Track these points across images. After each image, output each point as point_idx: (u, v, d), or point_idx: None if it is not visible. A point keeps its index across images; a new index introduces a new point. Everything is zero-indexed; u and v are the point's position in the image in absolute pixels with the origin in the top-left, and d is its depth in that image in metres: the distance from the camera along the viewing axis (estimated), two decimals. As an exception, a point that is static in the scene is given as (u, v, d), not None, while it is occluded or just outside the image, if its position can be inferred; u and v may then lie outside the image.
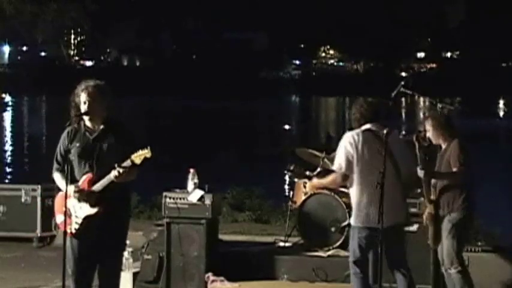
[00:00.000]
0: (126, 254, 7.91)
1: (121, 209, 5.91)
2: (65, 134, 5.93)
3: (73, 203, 5.81)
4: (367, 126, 6.31)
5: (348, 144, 6.21)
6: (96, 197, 5.75)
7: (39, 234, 9.69)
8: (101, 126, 5.84)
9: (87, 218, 5.75)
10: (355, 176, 6.22)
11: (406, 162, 6.36)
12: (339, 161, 6.23)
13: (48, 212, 9.46)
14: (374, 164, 6.11)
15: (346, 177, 6.24)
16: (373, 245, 6.21)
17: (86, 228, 5.75)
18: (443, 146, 6.74)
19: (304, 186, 8.57)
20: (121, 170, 5.63)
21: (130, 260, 7.97)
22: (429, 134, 6.74)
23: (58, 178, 5.94)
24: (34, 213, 9.75)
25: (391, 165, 6.19)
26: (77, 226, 5.78)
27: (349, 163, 6.18)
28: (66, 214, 5.81)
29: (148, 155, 5.68)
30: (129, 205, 6.20)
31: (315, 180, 6.75)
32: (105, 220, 5.76)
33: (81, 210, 5.77)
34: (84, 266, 5.76)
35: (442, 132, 6.72)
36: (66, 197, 5.67)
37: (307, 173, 8.44)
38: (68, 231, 5.81)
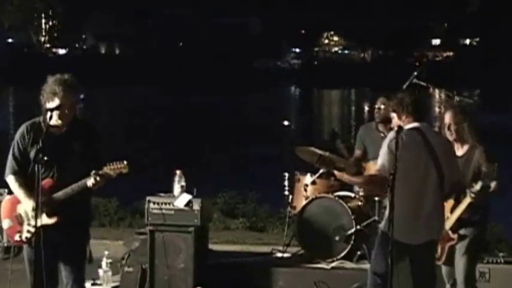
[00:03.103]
0: (104, 265, 7.94)
1: (81, 219, 5.94)
2: (23, 130, 5.88)
3: (26, 209, 5.82)
4: (416, 124, 6.22)
5: (393, 144, 6.03)
6: (56, 206, 5.74)
7: (5, 244, 9.66)
8: (65, 128, 5.82)
9: (42, 227, 5.68)
10: (397, 182, 6.00)
11: (450, 170, 6.27)
12: (383, 162, 6.11)
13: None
14: (419, 171, 6.09)
15: (386, 181, 6.05)
16: (404, 260, 6.20)
17: (43, 235, 5.67)
18: (462, 149, 6.62)
19: (305, 190, 8.57)
20: (98, 178, 5.64)
21: (110, 273, 7.98)
22: (452, 129, 6.59)
23: (13, 182, 5.90)
24: None
25: (436, 171, 6.15)
26: (29, 235, 5.77)
27: (393, 166, 5.99)
28: (17, 220, 5.84)
29: (125, 170, 5.70)
30: (90, 215, 6.24)
31: (346, 176, 6.63)
32: (63, 231, 5.77)
33: (40, 220, 5.70)
34: (45, 274, 5.71)
35: (465, 132, 6.58)
36: (37, 200, 5.61)
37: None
38: (17, 238, 5.83)
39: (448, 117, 6.65)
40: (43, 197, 5.67)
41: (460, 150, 6.64)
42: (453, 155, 6.43)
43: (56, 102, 5.75)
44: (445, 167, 6.20)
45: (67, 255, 5.87)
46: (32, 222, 5.74)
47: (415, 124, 6.22)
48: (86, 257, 6.07)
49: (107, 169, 5.68)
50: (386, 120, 8.29)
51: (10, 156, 5.91)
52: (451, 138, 6.65)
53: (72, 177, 5.73)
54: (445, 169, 6.19)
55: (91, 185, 5.67)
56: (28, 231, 5.78)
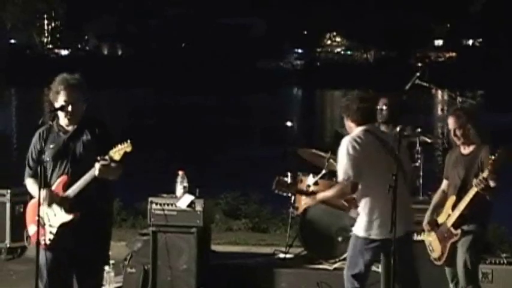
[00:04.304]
0: (106, 267, 7.93)
1: (100, 214, 5.93)
2: (36, 136, 5.99)
3: (46, 211, 5.83)
4: (364, 127, 6.35)
5: (351, 148, 6.22)
6: (72, 202, 5.78)
7: (8, 245, 9.67)
8: (75, 126, 5.90)
9: (62, 226, 5.77)
10: (365, 183, 6.23)
11: (408, 161, 6.45)
12: (345, 169, 6.22)
13: (19, 220, 9.43)
14: (384, 169, 6.16)
15: (356, 186, 6.23)
16: (382, 258, 6.31)
17: (61, 238, 5.76)
18: (468, 148, 6.68)
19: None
20: (104, 163, 5.65)
21: (112, 274, 7.99)
22: (458, 133, 6.63)
23: (31, 184, 6.00)
24: (3, 221, 9.73)
25: (396, 166, 6.22)
26: (51, 236, 5.79)
27: (358, 170, 6.19)
28: (39, 223, 5.83)
29: (129, 149, 5.72)
30: (110, 210, 6.23)
31: (314, 197, 6.78)
32: (82, 228, 5.79)
33: (55, 218, 5.78)
34: (59, 281, 5.76)
35: (471, 133, 6.62)
36: (39, 203, 5.67)
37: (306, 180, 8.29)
38: (42, 242, 5.82)
39: (451, 123, 6.71)
40: (58, 196, 5.76)
41: (466, 149, 6.68)
42: (404, 149, 6.55)
43: (59, 100, 5.84)
44: (404, 159, 6.32)
45: (85, 256, 5.85)
46: (52, 223, 5.78)
47: (364, 127, 6.34)
48: (107, 259, 6.08)
49: (111, 153, 5.71)
50: (389, 121, 8.31)
51: (27, 162, 6.05)
52: (458, 142, 6.68)
53: (85, 172, 5.77)
54: (404, 161, 6.30)
55: (98, 172, 5.67)
56: (50, 233, 5.81)
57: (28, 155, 6.04)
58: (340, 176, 6.29)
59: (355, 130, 6.36)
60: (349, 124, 6.43)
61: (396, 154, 6.19)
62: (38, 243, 5.74)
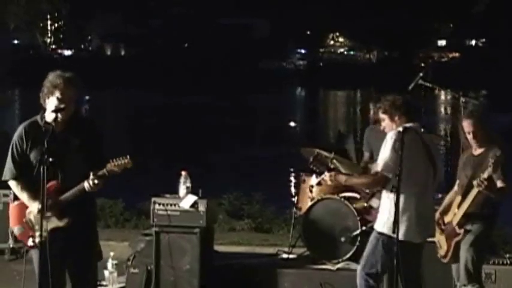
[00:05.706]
0: (109, 267, 7.96)
1: (88, 218, 5.93)
2: (21, 131, 5.80)
3: (35, 213, 5.78)
4: (410, 124, 6.30)
5: (399, 143, 6.07)
6: (63, 208, 5.72)
7: (11, 245, 9.66)
8: (64, 125, 5.75)
9: (53, 231, 5.70)
10: (403, 182, 6.05)
11: (441, 165, 6.45)
12: (388, 161, 6.12)
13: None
14: (421, 170, 6.14)
15: (388, 181, 6.15)
16: (408, 261, 6.19)
17: (52, 240, 5.67)
18: (478, 150, 6.68)
19: (311, 191, 8.57)
20: (96, 181, 5.60)
21: (115, 274, 7.99)
22: (469, 137, 6.64)
23: (14, 186, 5.88)
24: (6, 221, 9.71)
25: (432, 170, 6.24)
26: (40, 239, 5.73)
27: (398, 166, 6.02)
28: (27, 225, 5.83)
29: (130, 165, 5.66)
30: (95, 213, 6.25)
31: (342, 176, 6.67)
32: (72, 232, 5.76)
33: (46, 223, 5.69)
34: (53, 281, 5.73)
35: (484, 136, 6.63)
36: (43, 202, 5.60)
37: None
38: (30, 244, 5.81)
39: (467, 126, 6.68)
40: (49, 200, 5.64)
41: (477, 150, 6.69)
42: (440, 156, 6.58)
43: (55, 95, 5.70)
44: (438, 165, 6.33)
45: (77, 256, 5.84)
46: (43, 226, 5.74)
47: (410, 124, 6.29)
48: (96, 258, 6.07)
49: (110, 166, 5.64)
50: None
51: (9, 159, 5.84)
52: (475, 145, 6.66)
53: (75, 176, 5.69)
54: (438, 167, 6.31)
55: (87, 188, 5.62)
56: (39, 236, 5.75)
57: (12, 151, 5.80)
58: (380, 167, 6.20)
59: (399, 127, 6.23)
60: (390, 123, 6.34)
61: (433, 156, 6.19)
62: (43, 248, 5.67)
